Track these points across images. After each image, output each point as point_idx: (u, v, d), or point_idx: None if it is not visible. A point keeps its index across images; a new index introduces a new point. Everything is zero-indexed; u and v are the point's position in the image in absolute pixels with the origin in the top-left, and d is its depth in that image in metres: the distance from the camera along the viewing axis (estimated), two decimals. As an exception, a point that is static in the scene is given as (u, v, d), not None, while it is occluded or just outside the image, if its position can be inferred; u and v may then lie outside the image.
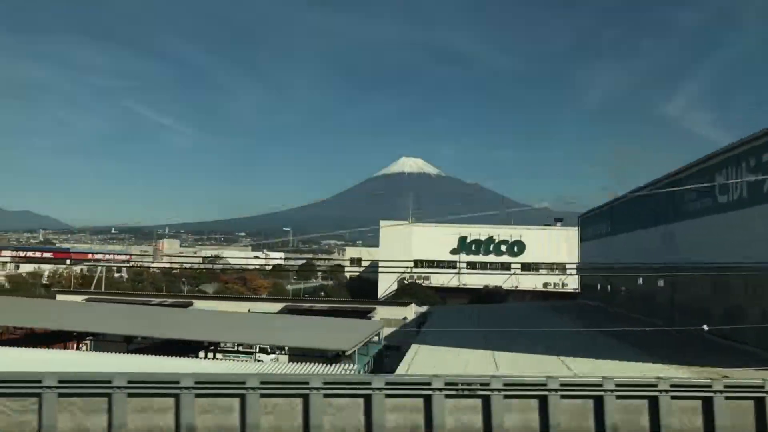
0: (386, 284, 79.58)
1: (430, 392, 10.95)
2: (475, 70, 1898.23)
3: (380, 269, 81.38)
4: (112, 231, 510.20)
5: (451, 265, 78.98)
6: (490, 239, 78.69)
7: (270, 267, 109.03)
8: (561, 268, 78.29)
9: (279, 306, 45.44)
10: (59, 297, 50.15)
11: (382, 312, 44.25)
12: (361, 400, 10.98)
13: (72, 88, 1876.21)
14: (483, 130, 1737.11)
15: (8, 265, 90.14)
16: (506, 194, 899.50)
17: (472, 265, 78.64)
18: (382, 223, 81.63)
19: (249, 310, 44.06)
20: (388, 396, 11.00)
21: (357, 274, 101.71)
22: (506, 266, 78.36)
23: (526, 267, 77.73)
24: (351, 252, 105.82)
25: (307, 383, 11.19)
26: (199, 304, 47.36)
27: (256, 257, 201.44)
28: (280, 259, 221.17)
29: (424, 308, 45.74)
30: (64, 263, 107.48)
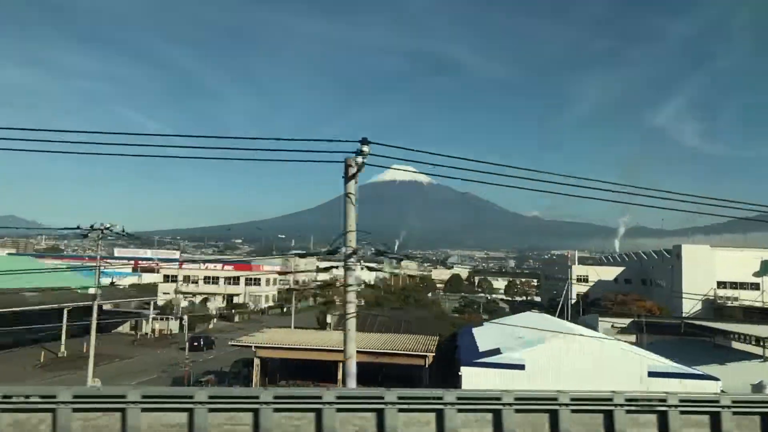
0: (689, 305, 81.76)
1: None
2: (466, 78, 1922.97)
3: (684, 293, 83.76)
4: (108, 238, 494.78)
5: (754, 287, 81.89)
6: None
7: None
8: None
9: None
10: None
11: None
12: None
13: (59, 93, 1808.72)
14: (475, 138, 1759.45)
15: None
16: (498, 203, 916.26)
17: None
18: (684, 246, 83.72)
19: None
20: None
21: (585, 292, 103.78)
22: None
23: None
24: (578, 270, 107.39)
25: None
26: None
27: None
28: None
29: None
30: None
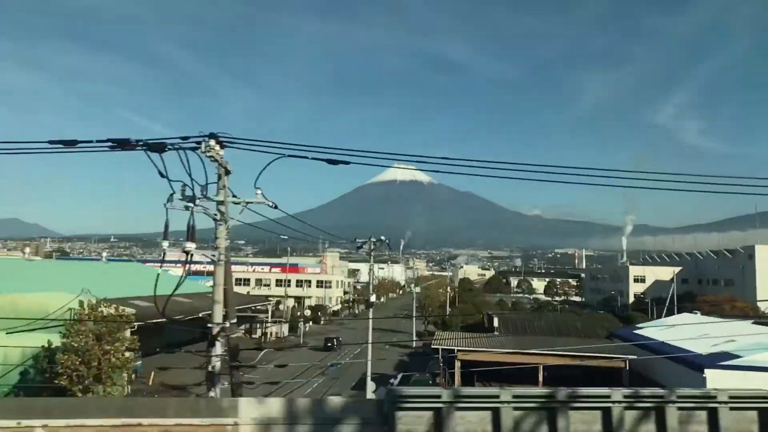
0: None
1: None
2: (468, 77, 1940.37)
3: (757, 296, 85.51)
4: (111, 239, 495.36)
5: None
6: None
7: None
8: None
9: None
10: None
11: None
12: None
13: (61, 95, 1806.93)
14: (476, 138, 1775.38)
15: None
16: (498, 202, 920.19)
17: None
18: (758, 246, 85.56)
19: None
20: None
21: (642, 293, 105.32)
22: None
23: None
24: (635, 271, 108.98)
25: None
26: None
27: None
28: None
29: None
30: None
